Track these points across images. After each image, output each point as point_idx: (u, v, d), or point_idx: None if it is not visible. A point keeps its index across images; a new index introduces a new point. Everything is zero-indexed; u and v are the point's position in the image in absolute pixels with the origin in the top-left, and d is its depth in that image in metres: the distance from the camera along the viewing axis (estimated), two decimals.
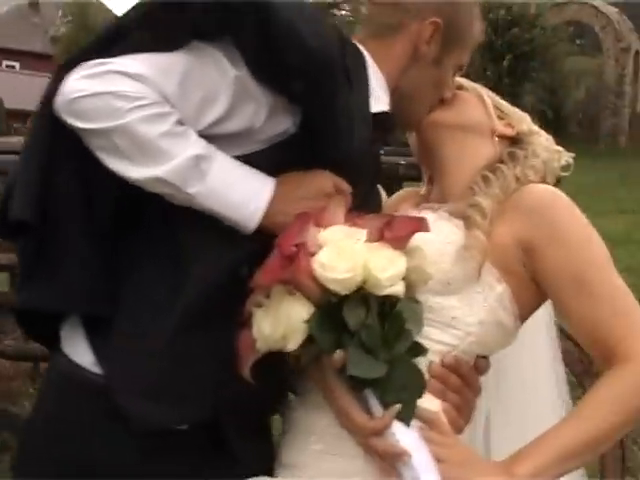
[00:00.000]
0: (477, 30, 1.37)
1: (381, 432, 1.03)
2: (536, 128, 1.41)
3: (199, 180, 1.07)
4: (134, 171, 1.07)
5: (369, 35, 1.31)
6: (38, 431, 1.17)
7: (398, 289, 1.02)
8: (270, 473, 1.19)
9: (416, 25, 1.28)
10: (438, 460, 1.06)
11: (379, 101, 1.26)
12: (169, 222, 1.12)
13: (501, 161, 1.32)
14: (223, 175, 1.09)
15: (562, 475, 1.16)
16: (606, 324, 1.15)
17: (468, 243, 1.16)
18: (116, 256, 1.15)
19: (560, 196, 1.23)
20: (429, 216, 1.21)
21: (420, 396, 1.04)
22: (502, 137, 1.36)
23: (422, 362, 1.11)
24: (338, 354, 1.01)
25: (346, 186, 1.16)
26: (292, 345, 1.00)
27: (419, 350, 1.08)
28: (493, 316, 1.17)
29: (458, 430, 1.16)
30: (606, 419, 1.12)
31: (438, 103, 1.37)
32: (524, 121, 1.41)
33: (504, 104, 1.43)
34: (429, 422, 1.10)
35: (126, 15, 1.12)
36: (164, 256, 1.13)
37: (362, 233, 1.04)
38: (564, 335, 1.49)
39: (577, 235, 1.19)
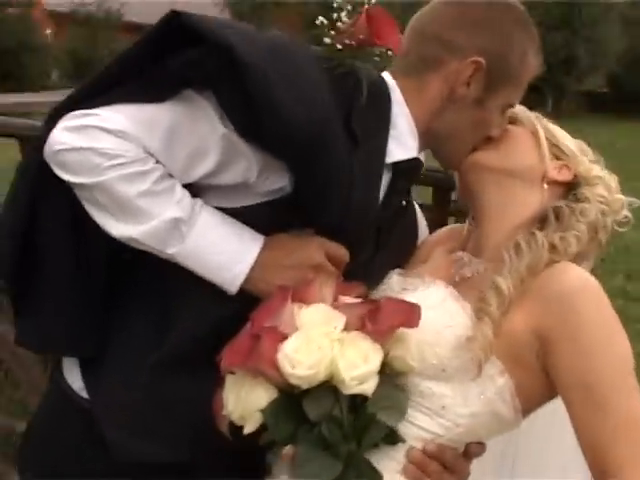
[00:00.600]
0: (531, 67, 1.21)
1: None
2: (598, 171, 1.25)
3: (178, 241, 1.05)
4: (114, 227, 1.06)
5: (401, 69, 1.18)
6: (30, 435, 1.25)
7: (366, 388, 0.96)
8: None
9: (456, 63, 1.14)
10: None
11: (405, 148, 1.16)
12: (159, 274, 1.11)
13: (543, 219, 1.19)
14: (205, 237, 1.06)
15: None
16: (608, 445, 1.04)
17: (473, 336, 1.07)
18: (103, 302, 1.16)
19: (595, 287, 1.10)
20: (440, 292, 1.12)
21: None
22: (555, 183, 1.23)
23: (401, 447, 1.07)
24: (289, 448, 0.98)
25: (343, 252, 1.10)
26: (248, 429, 0.99)
27: (394, 439, 1.03)
28: (489, 408, 1.09)
29: None
30: None
31: (484, 141, 1.24)
32: (583, 162, 1.25)
33: (563, 140, 1.27)
34: None
35: (116, 62, 1.08)
36: (153, 306, 1.14)
37: (341, 321, 0.98)
38: None
39: (597, 337, 1.07)
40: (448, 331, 1.08)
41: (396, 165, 1.16)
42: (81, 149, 1.02)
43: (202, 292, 1.08)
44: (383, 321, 0.98)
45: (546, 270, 1.13)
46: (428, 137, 1.19)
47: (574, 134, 1.34)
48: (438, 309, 1.09)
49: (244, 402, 0.99)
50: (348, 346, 0.97)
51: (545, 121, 1.31)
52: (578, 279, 1.11)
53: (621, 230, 1.25)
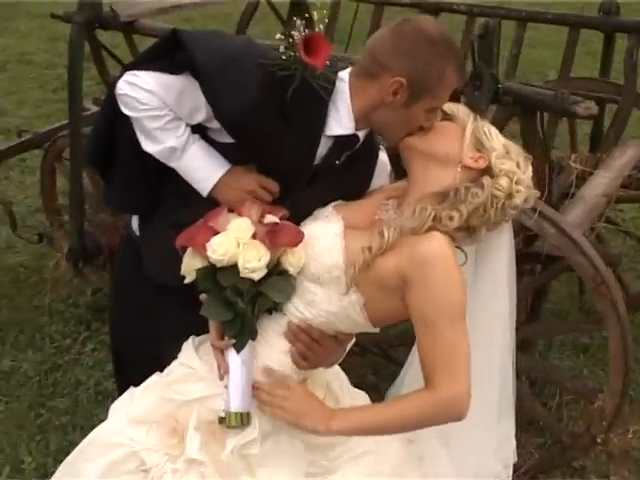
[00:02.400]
0: (449, 83, 1.68)
1: (220, 350, 1.67)
2: (509, 165, 1.67)
3: (175, 161, 1.73)
4: (143, 143, 1.74)
5: (355, 72, 1.71)
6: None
7: (254, 275, 1.58)
8: None
9: (386, 79, 1.65)
10: (279, 407, 1.63)
11: (342, 127, 1.70)
12: (176, 176, 1.79)
13: (446, 195, 1.67)
14: (192, 161, 1.72)
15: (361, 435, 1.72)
16: (435, 360, 1.60)
17: (347, 267, 1.62)
18: (152, 184, 1.87)
19: (448, 257, 1.60)
20: (335, 227, 1.68)
21: (251, 338, 1.63)
22: (469, 169, 1.68)
23: (285, 318, 1.68)
24: (205, 296, 1.64)
25: (273, 186, 1.70)
26: (187, 280, 1.66)
27: (277, 310, 1.67)
28: (344, 312, 1.66)
29: (302, 369, 1.71)
30: (395, 421, 1.64)
31: (419, 129, 1.73)
32: (498, 157, 1.67)
33: (488, 138, 1.70)
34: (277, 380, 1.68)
35: (153, 47, 1.74)
36: (174, 193, 1.85)
37: (250, 232, 1.59)
38: None
39: (442, 293, 1.58)
40: (326, 255, 1.66)
41: (337, 137, 1.72)
42: (127, 96, 1.71)
43: (191, 195, 1.76)
44: (276, 239, 1.59)
45: (424, 234, 1.64)
46: (367, 123, 1.73)
47: None
48: (326, 237, 1.66)
49: (189, 264, 1.65)
50: (250, 248, 1.59)
51: (481, 122, 1.75)
52: (438, 247, 1.61)
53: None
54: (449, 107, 1.78)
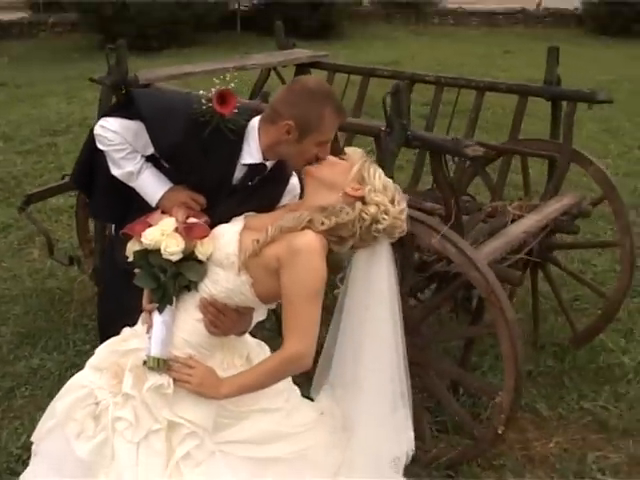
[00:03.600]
0: (329, 123, 2.28)
1: (148, 312, 2.27)
2: (380, 198, 2.23)
3: (133, 181, 2.44)
4: (112, 169, 2.46)
5: (262, 118, 2.34)
6: None
7: (172, 257, 2.19)
8: None
9: (280, 123, 2.27)
10: (185, 382, 2.21)
11: (252, 157, 2.32)
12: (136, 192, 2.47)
13: (324, 208, 2.26)
14: (143, 182, 2.43)
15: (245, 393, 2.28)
16: (289, 326, 2.19)
17: (239, 255, 2.22)
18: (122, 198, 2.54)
19: (314, 250, 2.17)
20: (237, 226, 2.29)
21: (169, 304, 2.23)
22: (349, 195, 2.25)
23: (197, 295, 2.27)
24: (138, 270, 2.26)
25: (201, 199, 2.34)
26: (130, 259, 2.28)
27: (189, 288, 2.26)
28: (238, 289, 2.25)
29: (214, 334, 2.29)
30: (262, 377, 2.25)
31: (316, 159, 2.33)
32: (373, 190, 2.24)
33: (371, 175, 2.25)
34: (181, 361, 2.25)
35: (119, 99, 2.41)
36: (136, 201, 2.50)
37: (173, 227, 2.21)
38: None
39: (303, 275, 2.16)
40: (226, 246, 2.25)
41: (249, 165, 2.34)
42: (100, 135, 2.42)
43: (146, 207, 2.42)
44: (190, 233, 2.21)
45: (301, 231, 2.22)
46: (273, 155, 2.36)
47: None
48: (229, 234, 2.27)
49: (130, 248, 2.28)
50: (171, 238, 2.20)
51: (369, 164, 2.31)
52: (308, 241, 2.19)
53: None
54: (349, 150, 2.37)
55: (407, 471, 2.60)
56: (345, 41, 15.08)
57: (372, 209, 2.22)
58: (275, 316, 3.32)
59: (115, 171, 2.47)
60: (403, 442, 2.51)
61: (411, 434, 2.53)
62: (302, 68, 4.62)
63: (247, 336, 2.51)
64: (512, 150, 3.89)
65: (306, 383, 2.60)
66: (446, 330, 3.47)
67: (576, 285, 4.49)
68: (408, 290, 3.02)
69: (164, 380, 2.21)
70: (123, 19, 12.88)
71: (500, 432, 2.93)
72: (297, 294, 2.15)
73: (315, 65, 4.64)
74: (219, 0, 14.45)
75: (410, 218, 2.73)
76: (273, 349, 2.51)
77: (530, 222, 3.41)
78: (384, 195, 2.25)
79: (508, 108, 5.44)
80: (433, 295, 3.16)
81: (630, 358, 4.02)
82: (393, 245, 2.36)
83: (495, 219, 3.57)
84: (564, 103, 3.83)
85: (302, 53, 4.63)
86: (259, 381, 2.24)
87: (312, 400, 2.54)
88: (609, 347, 4.10)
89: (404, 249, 2.95)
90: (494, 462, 3.23)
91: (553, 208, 3.60)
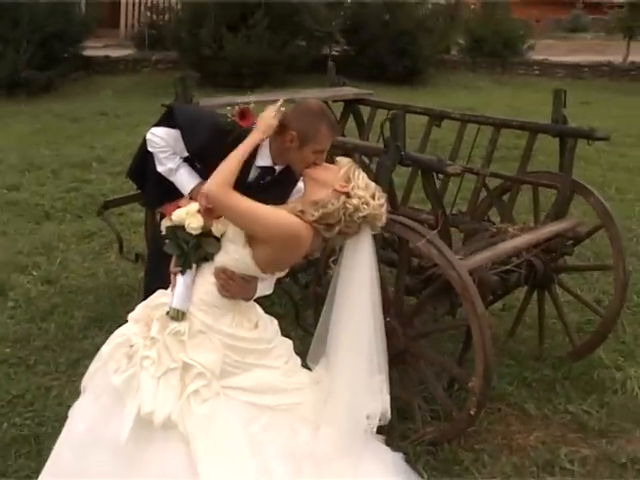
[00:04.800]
0: (324, 133, 2.88)
1: (174, 273, 2.91)
2: (361, 194, 2.85)
3: (172, 176, 3.13)
4: (157, 166, 3.16)
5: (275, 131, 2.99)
6: None
7: (193, 231, 2.83)
8: None
9: (286, 134, 2.91)
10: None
11: (264, 161, 2.98)
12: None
13: (316, 202, 2.87)
14: (180, 177, 3.13)
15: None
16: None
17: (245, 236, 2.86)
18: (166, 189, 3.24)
19: (298, 233, 2.79)
20: None
21: (189, 268, 2.87)
22: (338, 191, 2.87)
23: (213, 264, 2.91)
24: (168, 242, 2.91)
25: None
26: (164, 233, 2.94)
27: (207, 258, 2.90)
28: (242, 260, 2.86)
29: (224, 297, 2.91)
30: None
31: (313, 164, 2.95)
32: (356, 188, 2.85)
33: (356, 177, 2.84)
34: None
35: (164, 113, 3.12)
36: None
37: (196, 208, 2.87)
38: None
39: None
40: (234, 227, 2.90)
41: (261, 167, 3.00)
42: (149, 140, 3.16)
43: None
44: (208, 214, 2.85)
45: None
46: (282, 160, 3.00)
47: None
48: None
49: (163, 224, 2.94)
50: (193, 217, 2.85)
51: (355, 168, 2.93)
52: (295, 225, 2.81)
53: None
54: (339, 158, 2.99)
55: (396, 446, 3.21)
56: (429, 88, 15.70)
57: (355, 201, 2.80)
58: (290, 299, 3.95)
59: (160, 168, 3.16)
60: (378, 401, 3.04)
61: (387, 397, 3.07)
62: (349, 104, 5.28)
63: (260, 309, 3.11)
64: (519, 180, 4.40)
65: (306, 355, 3.18)
66: (431, 324, 3.94)
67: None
68: (403, 285, 3.57)
69: (182, 327, 2.84)
70: (219, 58, 14.03)
71: (472, 413, 3.41)
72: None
73: (360, 102, 5.29)
74: (312, 44, 15.34)
75: (404, 225, 3.34)
76: (282, 328, 3.10)
77: (521, 240, 3.92)
78: (365, 191, 2.83)
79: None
80: (423, 294, 3.69)
81: (623, 374, 4.40)
82: (392, 248, 2.93)
83: (496, 237, 4.08)
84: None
85: (349, 90, 5.29)
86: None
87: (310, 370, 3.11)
88: (605, 363, 4.50)
89: (401, 252, 3.54)
90: (475, 446, 3.70)
91: (547, 230, 4.09)
